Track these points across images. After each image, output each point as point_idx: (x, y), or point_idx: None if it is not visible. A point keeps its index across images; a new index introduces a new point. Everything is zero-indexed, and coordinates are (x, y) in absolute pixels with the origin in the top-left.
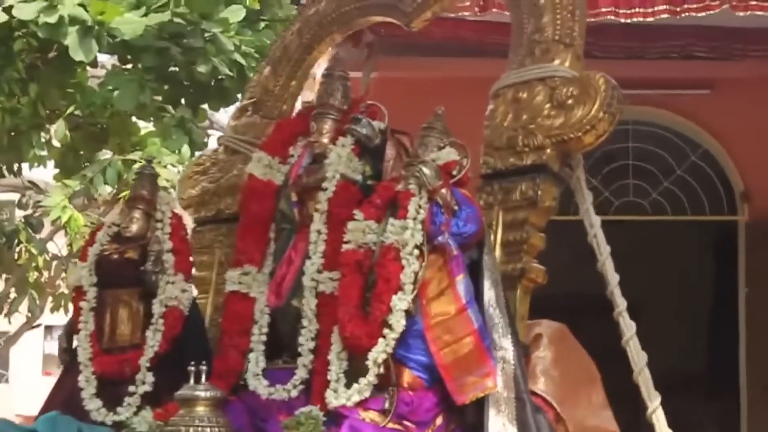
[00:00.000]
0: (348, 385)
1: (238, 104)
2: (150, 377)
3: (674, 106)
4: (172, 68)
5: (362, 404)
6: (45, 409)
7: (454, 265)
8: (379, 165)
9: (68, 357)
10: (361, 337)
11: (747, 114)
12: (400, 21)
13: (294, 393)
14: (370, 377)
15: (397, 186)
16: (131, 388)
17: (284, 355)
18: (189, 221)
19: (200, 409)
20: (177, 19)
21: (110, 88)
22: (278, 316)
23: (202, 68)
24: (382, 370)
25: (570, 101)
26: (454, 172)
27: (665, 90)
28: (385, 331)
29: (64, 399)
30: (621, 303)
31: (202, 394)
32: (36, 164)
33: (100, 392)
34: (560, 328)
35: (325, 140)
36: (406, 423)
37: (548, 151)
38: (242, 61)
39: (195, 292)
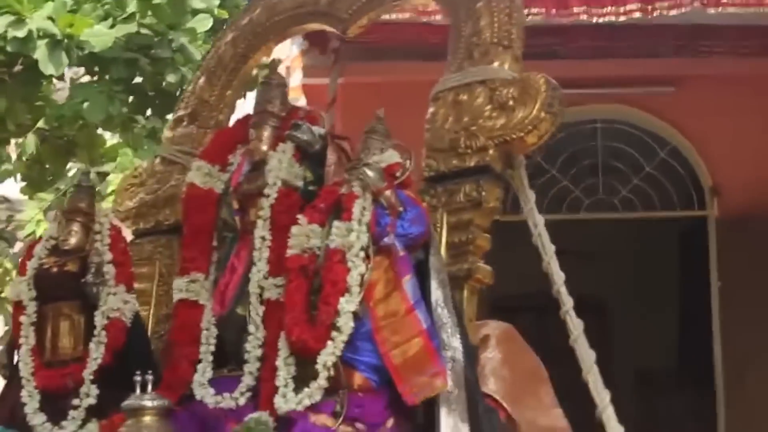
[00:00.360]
0: (297, 390)
1: (172, 115)
2: (94, 390)
3: (642, 104)
4: (137, 79)
5: (312, 408)
6: None
7: (401, 265)
8: (320, 170)
9: (8, 372)
10: (308, 340)
11: (714, 110)
12: (335, 28)
13: (242, 401)
14: (320, 381)
15: (340, 189)
16: (75, 402)
17: (229, 363)
18: (127, 233)
19: (147, 419)
20: (144, 30)
21: (79, 100)
22: (223, 325)
23: (171, 78)
24: (331, 373)
25: (511, 102)
26: (398, 174)
27: (631, 88)
28: (334, 333)
29: (7, 414)
30: (567, 301)
31: (149, 403)
32: (3, 179)
33: (43, 406)
34: (508, 328)
35: (264, 147)
36: (357, 425)
37: (491, 152)
38: None
39: (136, 304)
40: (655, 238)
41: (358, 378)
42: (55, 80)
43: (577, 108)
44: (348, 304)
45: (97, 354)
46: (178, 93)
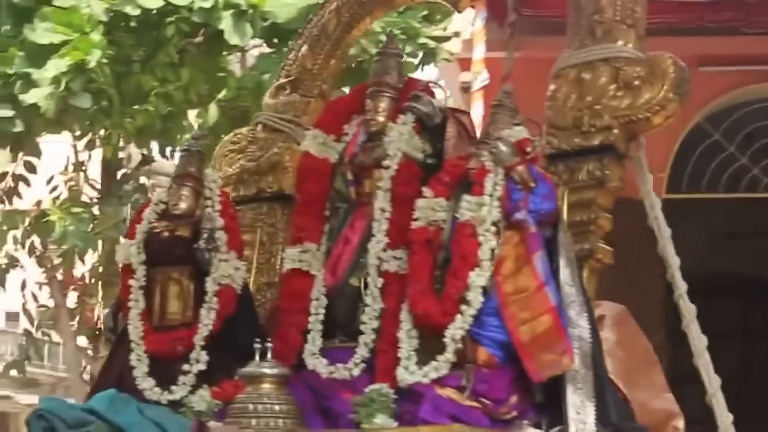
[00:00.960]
0: (420, 363)
1: (275, 83)
2: (204, 356)
3: None
4: None
5: (439, 381)
6: (96, 388)
7: (532, 241)
8: (438, 143)
9: (114, 336)
10: (435, 314)
11: None
12: (446, 1)
13: (356, 372)
14: (448, 354)
15: (468, 163)
16: (185, 367)
17: (339, 334)
18: None
19: (266, 386)
20: None
21: (259, 71)
22: (334, 296)
23: (350, 50)
24: (459, 346)
25: (637, 82)
26: (528, 150)
27: None
28: (463, 307)
29: (114, 378)
30: (681, 286)
31: (269, 371)
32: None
33: (151, 371)
34: (622, 310)
35: (381, 118)
36: (482, 400)
37: (615, 131)
38: None
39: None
40: None
41: (483, 353)
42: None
43: (756, 85)
44: (478, 278)
45: (207, 320)
46: (353, 65)
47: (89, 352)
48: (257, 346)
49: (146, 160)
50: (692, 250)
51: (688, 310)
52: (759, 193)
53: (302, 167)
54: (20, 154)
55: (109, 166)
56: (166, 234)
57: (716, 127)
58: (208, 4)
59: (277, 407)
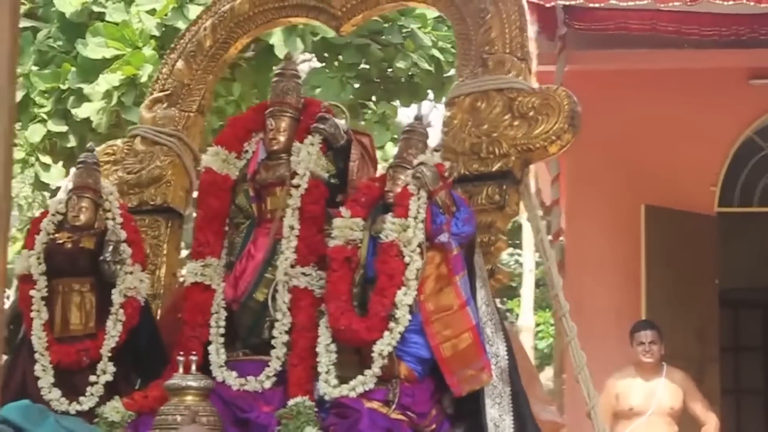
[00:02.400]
0: (338, 377)
1: (150, 96)
2: (110, 367)
3: None
4: (363, 66)
5: (365, 395)
6: (2, 399)
7: (455, 263)
8: (341, 164)
9: (8, 346)
10: (359, 330)
11: None
12: (327, 24)
13: (267, 384)
14: (375, 369)
15: (382, 185)
16: (92, 378)
17: (238, 347)
18: None
19: (189, 399)
20: (376, 17)
21: (310, 86)
22: (236, 309)
23: (401, 64)
24: (386, 362)
25: (531, 113)
26: (446, 174)
27: None
28: (391, 325)
29: (16, 388)
30: (564, 305)
31: (194, 383)
32: None
33: (56, 382)
34: (507, 324)
35: (282, 138)
36: (408, 413)
37: (513, 158)
38: (440, 56)
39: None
40: None
41: (404, 368)
42: None
43: None
44: (406, 296)
45: (114, 331)
46: (404, 79)
47: None
48: (180, 359)
49: (198, 174)
50: (745, 265)
51: (571, 328)
52: None
53: (204, 183)
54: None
55: None
56: (69, 245)
57: None
58: None
59: (203, 419)
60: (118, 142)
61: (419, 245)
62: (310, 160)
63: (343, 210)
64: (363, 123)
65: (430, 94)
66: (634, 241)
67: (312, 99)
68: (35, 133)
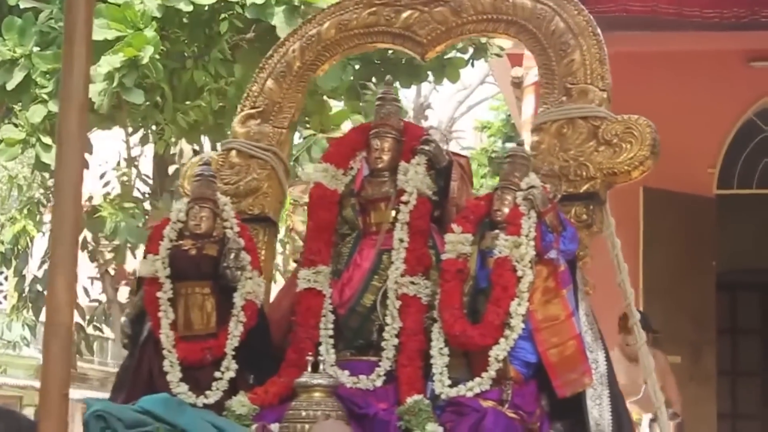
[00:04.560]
0: (451, 377)
1: (241, 112)
2: (234, 364)
3: None
4: None
5: (481, 395)
6: (129, 392)
7: (563, 277)
8: (442, 183)
9: (130, 342)
10: (474, 336)
11: None
12: (412, 51)
13: (378, 383)
14: (491, 372)
15: (488, 203)
16: (217, 374)
17: (343, 347)
18: None
19: (317, 395)
20: None
21: None
22: (343, 313)
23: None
24: (501, 365)
25: (615, 140)
26: (551, 196)
27: None
28: (506, 332)
29: (144, 382)
30: (636, 315)
31: (321, 381)
32: None
33: (182, 377)
34: None
35: (386, 157)
36: (519, 412)
37: (599, 181)
38: None
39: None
40: None
41: (513, 371)
42: None
43: None
44: (520, 307)
45: (236, 332)
46: (404, 61)
47: None
48: (309, 359)
49: (198, 155)
50: (744, 247)
51: (641, 335)
52: None
53: (315, 197)
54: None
55: (161, 162)
56: (194, 252)
57: None
58: (260, 0)
59: (328, 413)
60: (213, 154)
61: (530, 261)
62: (417, 179)
63: (454, 226)
64: (363, 104)
65: (430, 76)
66: (632, 224)
67: (412, 123)
68: (36, 113)
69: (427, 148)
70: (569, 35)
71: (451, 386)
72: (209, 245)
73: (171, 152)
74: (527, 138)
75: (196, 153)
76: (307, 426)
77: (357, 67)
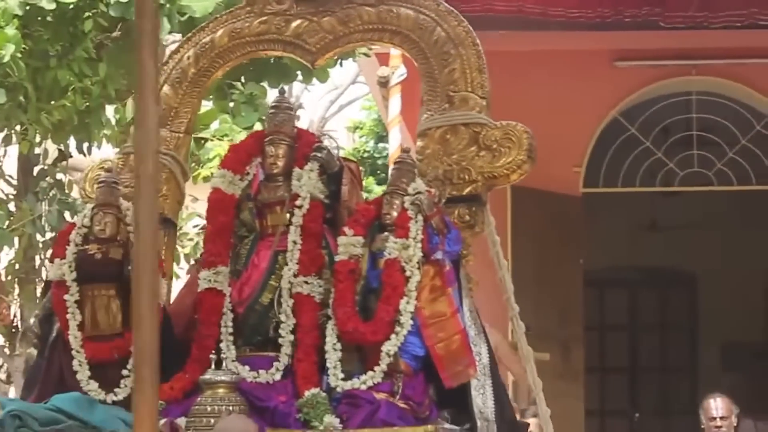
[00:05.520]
0: (344, 371)
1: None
2: None
3: (738, 76)
4: None
5: (373, 387)
6: (40, 390)
7: (448, 277)
8: (333, 187)
9: (40, 342)
10: (366, 333)
11: None
12: (302, 59)
13: (277, 377)
14: (383, 366)
15: (377, 208)
16: (125, 372)
17: (242, 343)
18: None
19: (221, 391)
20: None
21: None
22: (242, 311)
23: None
24: (392, 360)
25: (494, 145)
26: (435, 200)
27: (729, 60)
28: (397, 328)
29: (55, 381)
30: (515, 308)
31: (224, 378)
32: (100, 143)
33: (91, 375)
34: None
35: (281, 163)
36: (410, 402)
37: (480, 184)
38: None
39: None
40: (747, 211)
41: (403, 364)
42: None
43: (672, 80)
44: (408, 305)
45: None
46: (273, 60)
47: (6, 350)
48: (212, 356)
49: (63, 156)
50: (611, 243)
51: (519, 326)
52: (675, 186)
53: (213, 201)
54: None
55: (25, 162)
56: (99, 256)
57: (632, 122)
58: None
59: (231, 408)
60: (113, 157)
61: (418, 261)
62: (310, 184)
63: (346, 229)
64: (231, 104)
65: (299, 76)
66: (500, 222)
67: (304, 130)
68: None
69: (319, 154)
70: (450, 45)
71: (344, 379)
72: (114, 249)
73: (35, 152)
74: (395, 136)
75: (61, 153)
76: (212, 420)
77: None
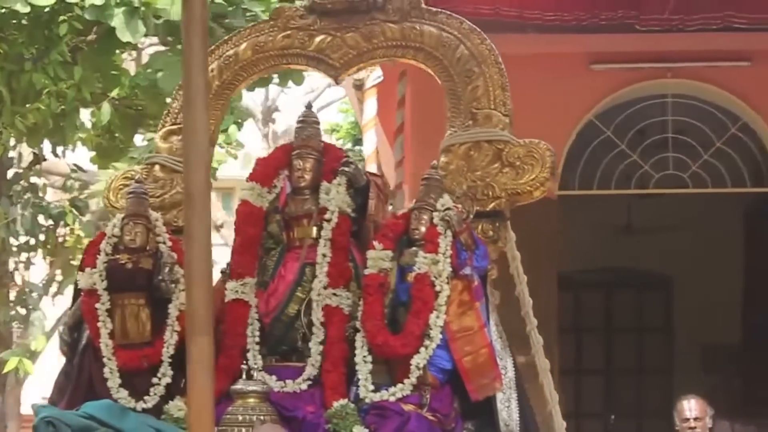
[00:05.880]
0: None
1: (163, 128)
2: (170, 370)
3: (713, 79)
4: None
5: (402, 399)
6: (70, 397)
7: (477, 291)
8: (360, 201)
9: (70, 351)
10: (395, 346)
11: None
12: (326, 73)
13: (303, 387)
14: (412, 378)
15: (405, 222)
16: (154, 380)
17: (268, 353)
18: None
19: (251, 401)
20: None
21: (154, 69)
22: (269, 321)
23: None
24: (421, 372)
25: (518, 162)
26: (463, 216)
27: (704, 62)
28: (426, 342)
29: (85, 388)
30: (533, 321)
31: (255, 388)
32: (75, 145)
33: (122, 383)
34: None
35: (308, 176)
36: (437, 415)
37: (503, 200)
38: None
39: None
40: (723, 213)
41: (430, 377)
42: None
43: (647, 83)
44: (438, 319)
45: (172, 340)
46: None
47: None
48: (244, 367)
49: (38, 159)
50: (586, 246)
51: (537, 340)
52: (650, 188)
53: (242, 214)
54: None
55: None
56: (130, 265)
57: (608, 124)
58: (100, 2)
59: (263, 417)
60: (137, 167)
61: (447, 276)
62: (338, 198)
63: (375, 243)
64: None
65: (275, 78)
66: None
67: (331, 144)
68: None
69: (347, 169)
70: (473, 63)
71: (374, 391)
72: (144, 259)
73: (9, 156)
74: (370, 138)
75: (36, 156)
76: (243, 430)
77: None
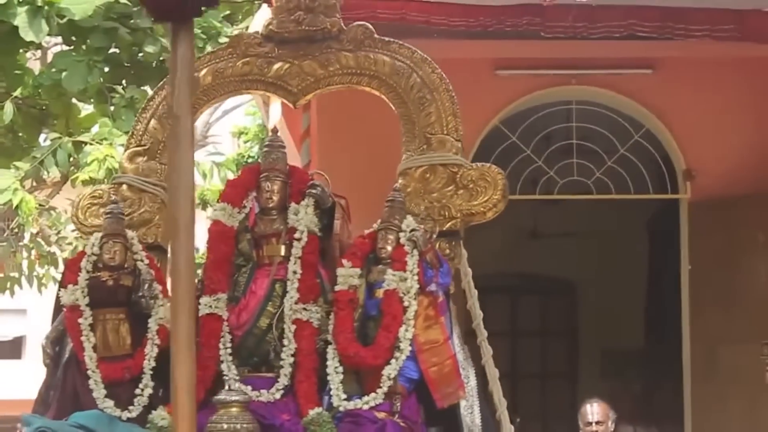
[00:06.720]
0: (346, 392)
1: (128, 149)
2: (151, 381)
3: (617, 86)
4: (113, 50)
5: (374, 408)
6: (58, 409)
7: (441, 306)
8: (326, 221)
9: (53, 363)
10: (366, 357)
11: (689, 93)
12: (285, 99)
13: (277, 396)
14: (384, 388)
15: (372, 241)
16: (137, 391)
17: (240, 365)
18: None
19: (234, 410)
20: (124, 0)
21: (57, 69)
22: (241, 335)
23: (150, 48)
24: (392, 382)
25: (471, 185)
26: (428, 236)
27: (608, 70)
28: (396, 354)
29: (71, 400)
30: (483, 333)
31: (237, 398)
32: None
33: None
34: None
35: (276, 197)
36: (407, 422)
37: (459, 221)
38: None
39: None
40: (626, 220)
41: (399, 386)
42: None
43: (552, 89)
44: (407, 332)
45: (153, 353)
46: (155, 64)
47: None
48: (226, 378)
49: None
50: (492, 251)
51: (487, 350)
52: (555, 194)
53: (214, 233)
54: None
55: None
56: (111, 282)
57: (513, 130)
58: (2, 0)
59: (246, 425)
60: (104, 187)
61: (414, 292)
62: (307, 218)
63: (344, 261)
64: (112, 107)
65: None
66: None
67: (296, 167)
68: None
69: (315, 191)
70: (426, 90)
71: (346, 400)
72: (125, 276)
73: None
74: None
75: None
76: None
77: (106, 69)
